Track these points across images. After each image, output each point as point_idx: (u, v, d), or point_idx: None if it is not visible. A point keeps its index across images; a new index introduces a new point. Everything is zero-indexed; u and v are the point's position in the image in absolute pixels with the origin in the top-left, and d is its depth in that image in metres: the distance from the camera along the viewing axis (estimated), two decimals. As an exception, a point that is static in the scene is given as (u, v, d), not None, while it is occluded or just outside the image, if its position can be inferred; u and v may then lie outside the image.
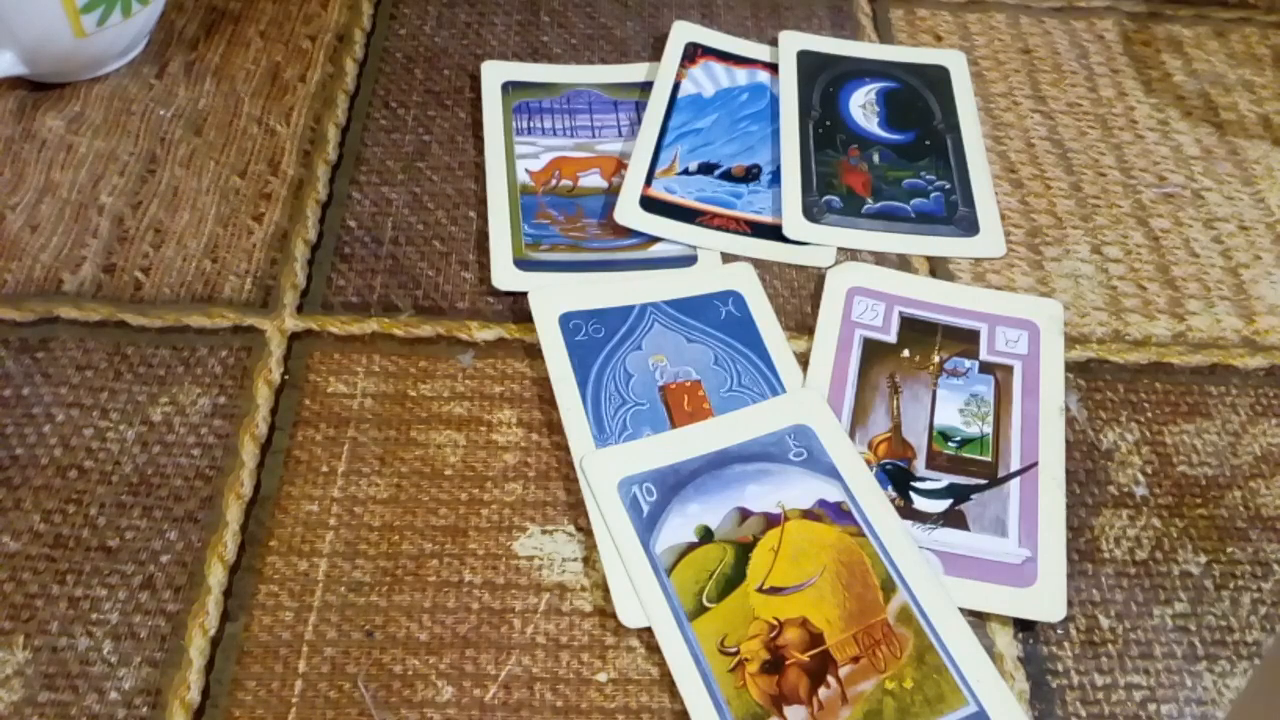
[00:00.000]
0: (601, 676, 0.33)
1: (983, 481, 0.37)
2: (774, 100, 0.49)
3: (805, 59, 0.51)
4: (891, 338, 0.41)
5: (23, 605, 0.34)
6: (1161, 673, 0.34)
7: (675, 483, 0.36)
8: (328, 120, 0.48)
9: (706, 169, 0.46)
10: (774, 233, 0.44)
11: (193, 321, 0.41)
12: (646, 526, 0.35)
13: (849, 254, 0.44)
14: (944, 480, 0.37)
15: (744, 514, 0.36)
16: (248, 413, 0.38)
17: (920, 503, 0.37)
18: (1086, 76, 0.52)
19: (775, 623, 0.33)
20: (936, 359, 0.41)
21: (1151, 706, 0.33)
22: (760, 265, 0.43)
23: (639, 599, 0.34)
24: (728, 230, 0.44)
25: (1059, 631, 0.35)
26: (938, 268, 0.44)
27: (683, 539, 0.35)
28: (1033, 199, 0.47)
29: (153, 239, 0.43)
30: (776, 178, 0.46)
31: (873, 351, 0.41)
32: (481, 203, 0.45)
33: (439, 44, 0.51)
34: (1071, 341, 0.42)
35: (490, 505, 0.36)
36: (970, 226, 0.45)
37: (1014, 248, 0.45)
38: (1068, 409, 0.40)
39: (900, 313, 0.42)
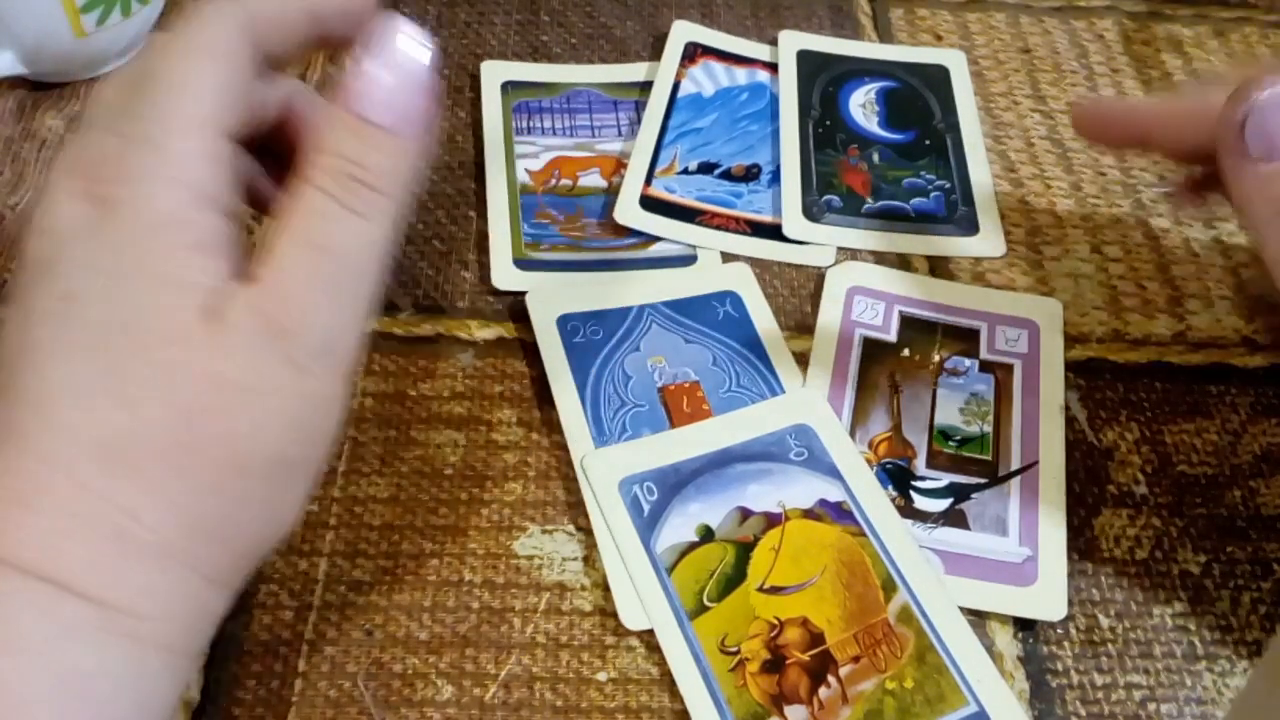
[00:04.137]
0: (601, 676, 0.33)
1: (983, 480, 0.37)
2: (774, 100, 0.49)
3: (805, 58, 0.51)
4: (891, 337, 0.41)
5: (22, 605, 0.34)
6: (1161, 672, 0.34)
7: (676, 482, 0.36)
8: (327, 120, 0.48)
9: (706, 168, 0.46)
10: (774, 232, 0.44)
11: (192, 321, 0.41)
12: (647, 526, 0.35)
13: (849, 253, 0.44)
14: (944, 479, 0.37)
15: (745, 513, 0.36)
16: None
17: (921, 502, 0.37)
18: (1086, 76, 0.52)
19: (776, 622, 0.33)
20: (936, 358, 0.41)
21: (1151, 706, 0.33)
22: (760, 265, 0.43)
23: (640, 598, 0.34)
24: (727, 230, 0.44)
25: (1059, 631, 0.35)
26: (938, 267, 0.44)
27: (683, 538, 0.35)
28: (1033, 199, 0.47)
29: (152, 238, 0.43)
30: (776, 177, 0.46)
31: (873, 351, 0.41)
32: (481, 202, 0.45)
33: (439, 44, 0.51)
34: (1071, 341, 0.42)
35: (490, 505, 0.36)
36: (970, 226, 0.45)
37: (1014, 247, 0.45)
38: (1068, 408, 0.40)
39: (900, 312, 0.42)
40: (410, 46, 0.27)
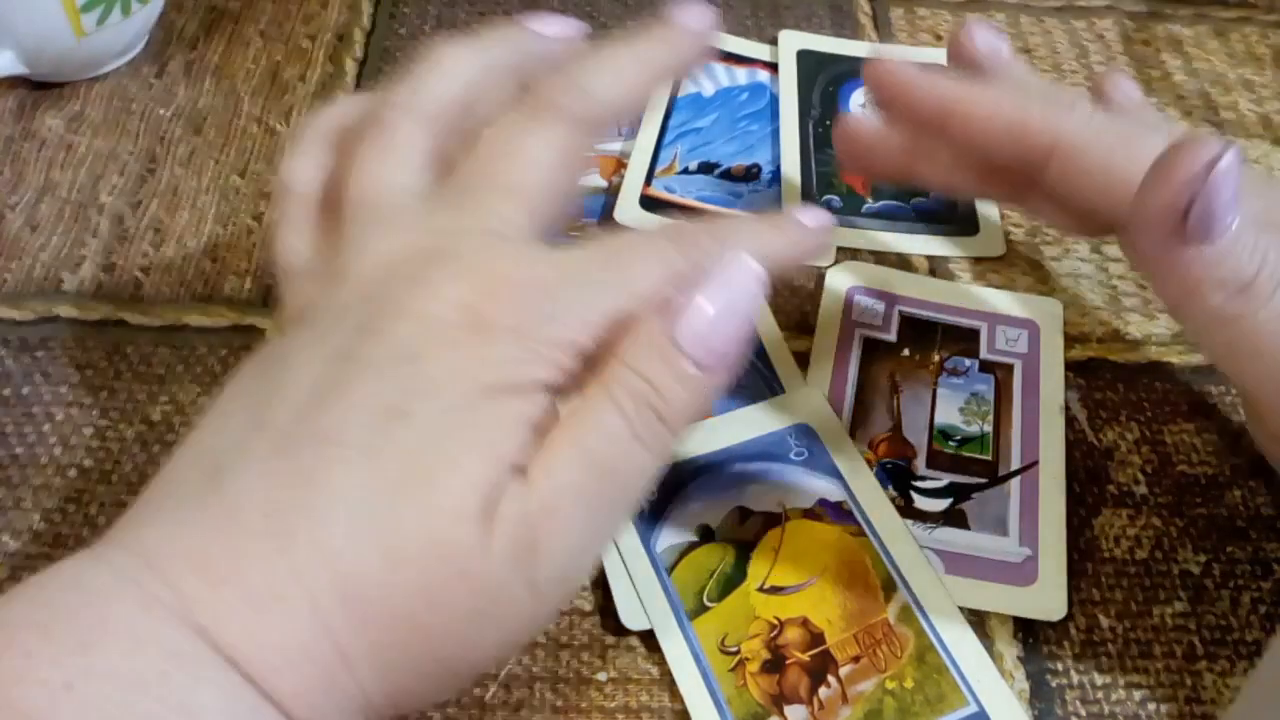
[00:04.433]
0: (601, 676, 0.33)
1: (983, 480, 0.37)
2: (774, 100, 0.49)
3: (805, 58, 0.51)
4: (891, 337, 0.41)
5: (22, 605, 0.34)
6: (1161, 672, 0.34)
7: (676, 482, 0.36)
8: (327, 119, 0.48)
9: (706, 168, 0.46)
10: (774, 232, 0.44)
11: (192, 320, 0.41)
12: (647, 526, 0.35)
13: (849, 253, 0.44)
14: (944, 479, 0.37)
15: (745, 513, 0.36)
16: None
17: (921, 502, 0.37)
18: (1086, 76, 0.52)
19: (776, 622, 0.33)
20: (936, 358, 0.41)
21: (1151, 706, 0.33)
22: (760, 265, 0.43)
23: (640, 598, 0.34)
24: (728, 230, 0.44)
25: (1059, 631, 0.35)
26: (938, 267, 0.44)
27: (683, 538, 0.35)
28: (1033, 198, 0.47)
29: (153, 238, 0.43)
30: (776, 177, 0.46)
31: (873, 350, 0.41)
32: (481, 202, 0.45)
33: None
34: (1071, 341, 0.42)
35: (490, 505, 0.36)
36: (970, 226, 0.45)
37: (1014, 247, 0.45)
38: (1068, 408, 0.40)
39: (900, 312, 0.42)
40: (747, 284, 0.26)
